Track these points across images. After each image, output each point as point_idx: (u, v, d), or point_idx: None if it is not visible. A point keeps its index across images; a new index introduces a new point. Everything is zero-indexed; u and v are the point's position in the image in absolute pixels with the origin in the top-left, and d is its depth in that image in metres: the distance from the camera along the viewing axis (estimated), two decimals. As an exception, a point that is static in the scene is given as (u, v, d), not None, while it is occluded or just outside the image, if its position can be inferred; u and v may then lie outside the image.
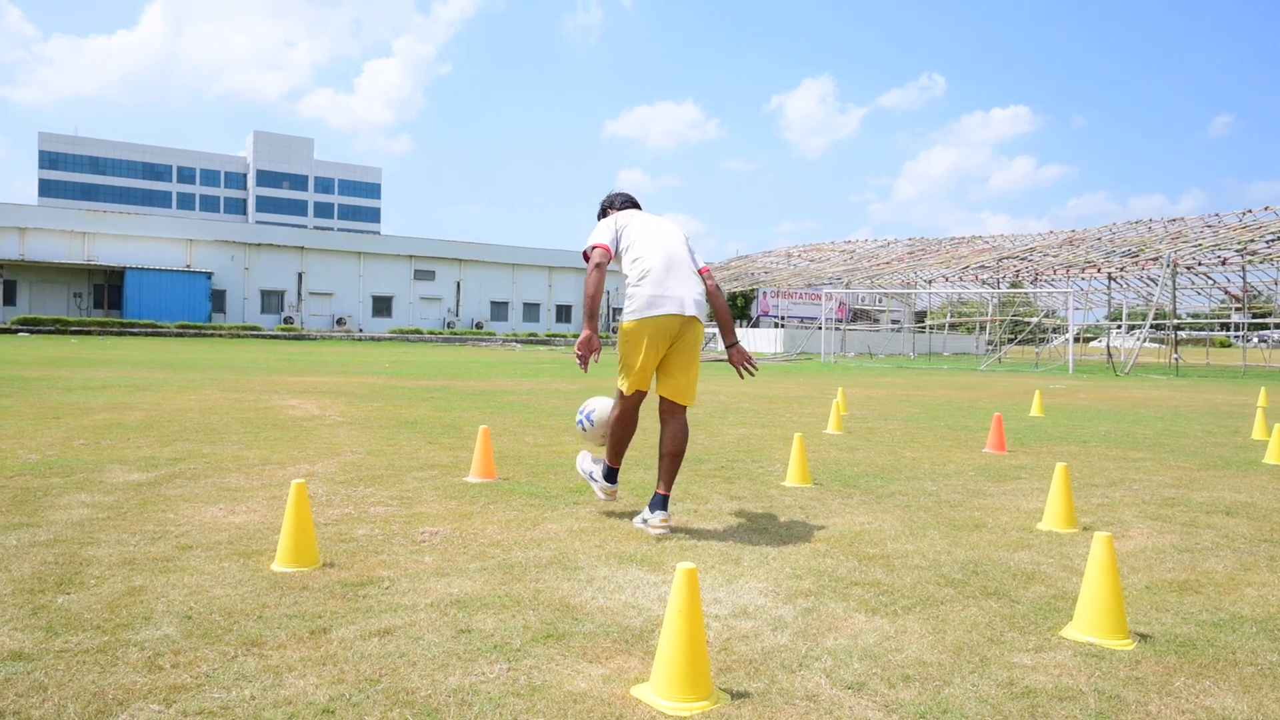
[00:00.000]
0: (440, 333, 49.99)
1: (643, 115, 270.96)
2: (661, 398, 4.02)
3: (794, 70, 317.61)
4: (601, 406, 4.30)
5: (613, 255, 4.03)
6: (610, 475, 4.21)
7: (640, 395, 4.02)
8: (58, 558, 3.24)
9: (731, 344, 4.17)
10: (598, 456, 4.44)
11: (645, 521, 3.94)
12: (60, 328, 38.01)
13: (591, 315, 3.87)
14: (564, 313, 60.13)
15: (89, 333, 37.83)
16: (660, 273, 3.90)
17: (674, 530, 3.91)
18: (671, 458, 3.94)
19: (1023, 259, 34.01)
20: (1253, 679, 2.41)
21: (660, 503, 3.91)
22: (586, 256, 4.01)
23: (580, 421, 4.36)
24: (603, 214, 4.43)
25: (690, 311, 3.88)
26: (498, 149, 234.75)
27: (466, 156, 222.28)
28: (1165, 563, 3.63)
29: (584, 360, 3.87)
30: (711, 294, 4.08)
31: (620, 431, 4.11)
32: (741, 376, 4.21)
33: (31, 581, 2.95)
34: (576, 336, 52.08)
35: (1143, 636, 2.71)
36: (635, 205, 4.43)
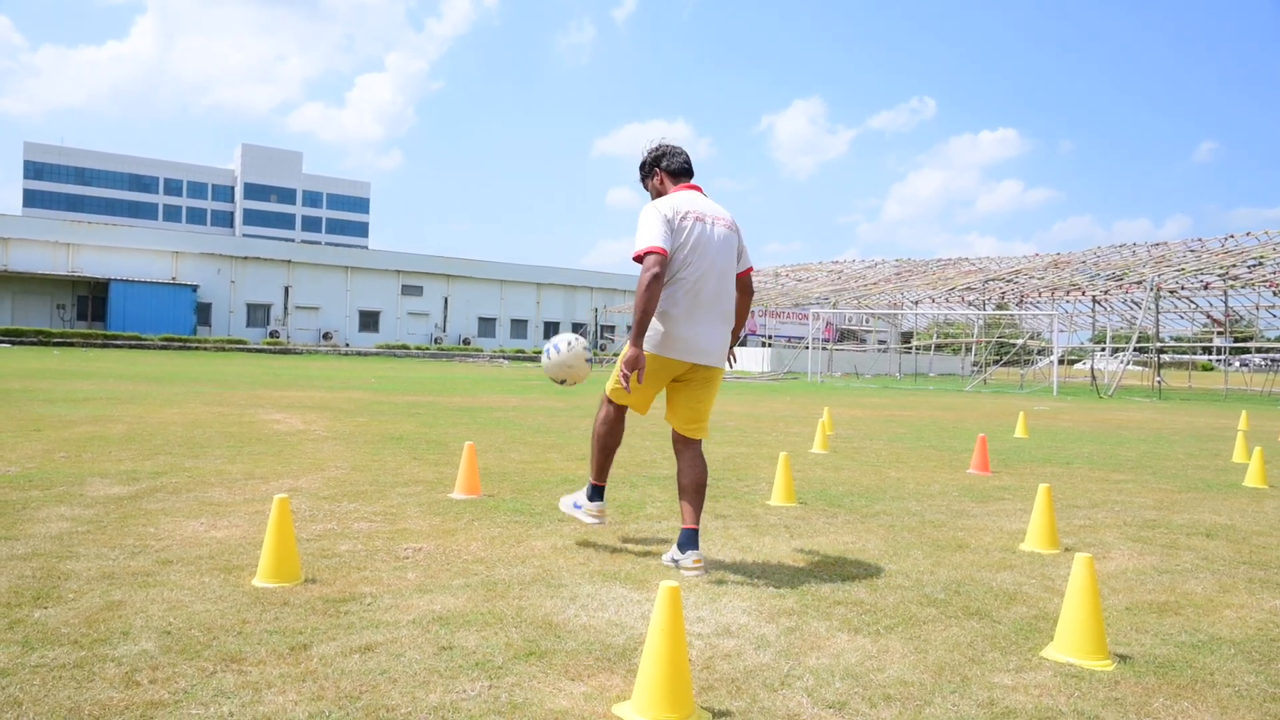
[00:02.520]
0: (427, 348, 49.86)
1: (634, 133, 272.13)
2: (673, 430, 3.73)
3: (785, 91, 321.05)
4: (565, 343, 3.90)
5: (668, 255, 3.44)
6: (595, 493, 3.84)
7: (624, 409, 3.76)
8: (35, 571, 3.20)
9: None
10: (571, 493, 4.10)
11: (676, 562, 3.55)
12: (43, 339, 37.64)
13: (640, 332, 3.42)
14: (552, 329, 60.11)
15: (72, 344, 37.48)
16: (686, 312, 3.50)
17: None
18: (694, 490, 3.59)
19: (1008, 281, 34.33)
20: (1230, 700, 2.43)
21: (690, 539, 3.52)
22: (639, 259, 3.43)
23: (547, 351, 3.95)
24: (648, 173, 3.80)
25: (707, 362, 3.58)
26: (488, 165, 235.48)
27: (457, 172, 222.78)
28: (1145, 584, 3.66)
29: (629, 380, 3.41)
30: (740, 295, 3.77)
31: (604, 438, 3.75)
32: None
33: (8, 595, 2.92)
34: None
35: (1122, 657, 2.73)
36: (689, 172, 3.76)
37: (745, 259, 3.78)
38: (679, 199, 3.58)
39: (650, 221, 3.46)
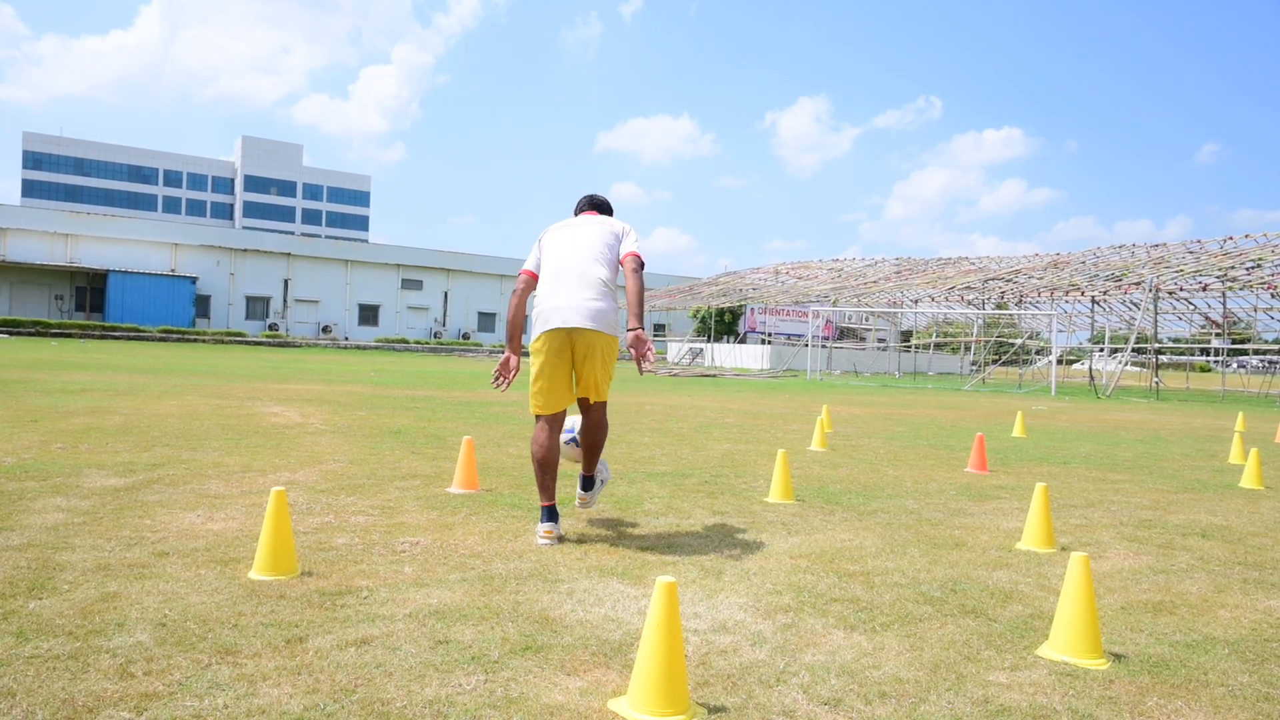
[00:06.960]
0: (427, 342, 49.80)
1: (638, 128, 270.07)
2: (578, 397, 4.11)
3: (790, 88, 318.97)
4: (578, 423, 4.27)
5: (536, 277, 4.12)
6: (544, 514, 3.88)
7: (547, 419, 3.94)
8: (30, 562, 3.20)
9: (631, 328, 3.83)
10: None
11: (581, 504, 4.34)
12: (41, 330, 37.59)
13: (510, 338, 4.10)
14: (551, 325, 60.04)
15: (70, 335, 37.44)
16: (546, 287, 4.01)
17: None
18: (589, 449, 4.18)
19: (1008, 281, 34.34)
20: (1224, 700, 2.43)
21: (583, 483, 4.29)
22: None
23: (570, 440, 4.24)
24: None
25: (573, 323, 3.88)
26: (491, 159, 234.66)
27: (459, 166, 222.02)
28: (1141, 584, 3.66)
29: (497, 380, 4.05)
30: (627, 274, 3.94)
31: (534, 456, 3.96)
32: (640, 371, 3.90)
33: (3, 586, 2.91)
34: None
35: (1117, 656, 2.73)
36: (595, 208, 4.35)
37: (626, 244, 4.09)
38: (554, 225, 4.25)
39: (533, 248, 4.23)
